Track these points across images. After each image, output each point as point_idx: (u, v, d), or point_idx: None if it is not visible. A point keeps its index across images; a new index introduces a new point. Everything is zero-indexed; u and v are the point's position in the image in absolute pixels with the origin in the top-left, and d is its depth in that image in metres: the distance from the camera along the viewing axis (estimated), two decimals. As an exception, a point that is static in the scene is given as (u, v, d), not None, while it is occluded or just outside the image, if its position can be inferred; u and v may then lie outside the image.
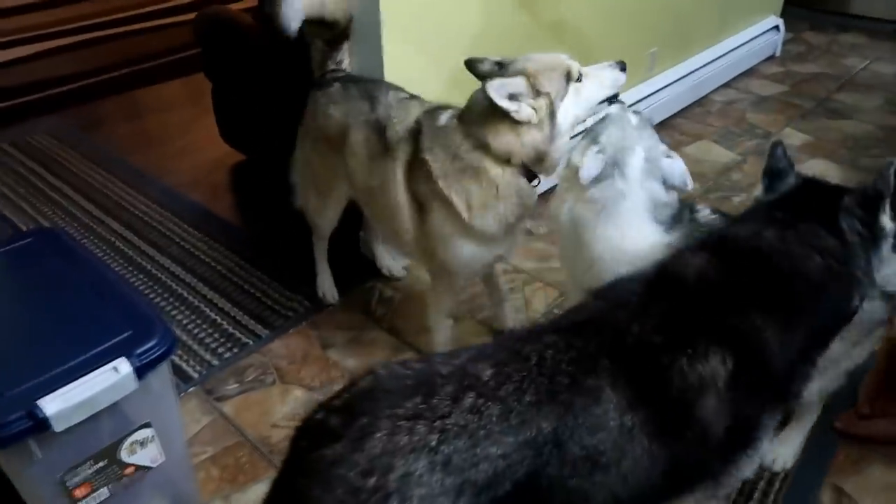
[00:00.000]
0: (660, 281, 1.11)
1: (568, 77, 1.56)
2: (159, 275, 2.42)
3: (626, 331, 1.03)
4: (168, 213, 2.77)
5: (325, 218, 2.13)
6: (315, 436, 0.96)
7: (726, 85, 3.78)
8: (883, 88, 3.74)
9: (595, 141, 1.41)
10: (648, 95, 3.22)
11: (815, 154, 3.11)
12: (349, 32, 2.01)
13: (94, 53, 4.34)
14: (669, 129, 3.34)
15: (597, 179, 1.38)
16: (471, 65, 1.66)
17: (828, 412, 1.73)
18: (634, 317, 1.05)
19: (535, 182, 1.65)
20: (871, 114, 3.47)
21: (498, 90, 1.47)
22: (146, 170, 3.11)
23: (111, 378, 1.08)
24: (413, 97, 1.84)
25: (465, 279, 1.95)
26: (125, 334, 1.14)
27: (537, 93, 1.52)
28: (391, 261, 2.35)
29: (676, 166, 1.42)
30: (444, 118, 1.67)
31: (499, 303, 2.13)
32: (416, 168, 1.68)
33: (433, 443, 0.90)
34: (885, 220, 1.12)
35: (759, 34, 3.94)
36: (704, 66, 3.56)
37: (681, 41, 3.40)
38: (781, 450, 1.69)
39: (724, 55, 3.69)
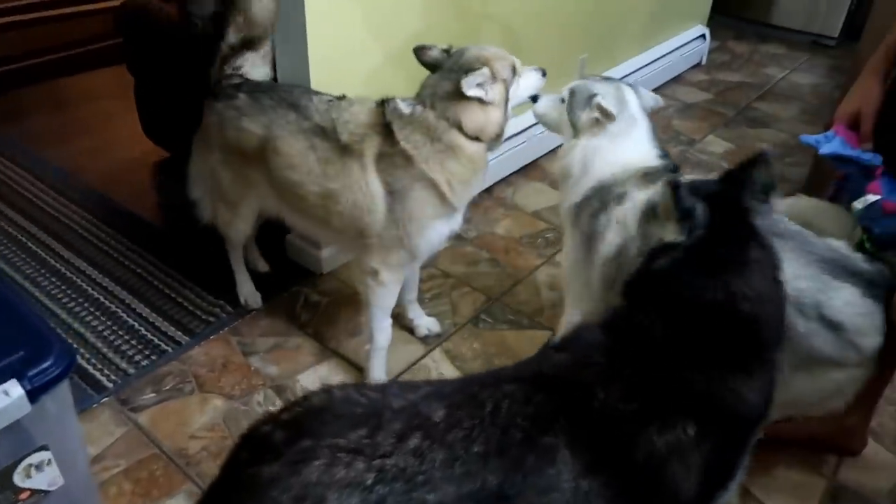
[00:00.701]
0: (626, 340, 1.08)
1: (514, 69, 1.77)
2: (74, 278, 2.32)
3: (591, 394, 1.01)
4: (85, 213, 2.66)
5: (238, 230, 2.09)
6: (257, 449, 0.94)
7: (655, 90, 3.86)
8: (800, 98, 3.92)
9: (595, 94, 1.67)
10: (578, 100, 3.27)
11: (736, 161, 3.21)
12: (264, 39, 1.97)
13: (10, 39, 4.11)
14: (599, 133, 3.39)
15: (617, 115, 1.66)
16: (419, 52, 1.79)
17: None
18: (600, 380, 1.02)
19: None
20: (788, 123, 3.63)
21: (471, 85, 1.64)
22: (63, 166, 2.97)
23: (1, 402, 1.02)
24: (340, 98, 1.82)
25: (421, 263, 2.03)
26: (17, 354, 1.08)
27: (494, 78, 1.70)
28: (427, 318, 2.19)
29: (647, 93, 1.80)
30: (405, 108, 1.72)
31: (411, 301, 2.14)
32: (388, 159, 1.73)
33: (368, 482, 0.87)
34: None
35: (686, 42, 4.06)
36: (633, 72, 3.64)
37: (611, 47, 3.46)
38: None
39: (652, 62, 3.79)
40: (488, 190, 2.88)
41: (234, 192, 1.99)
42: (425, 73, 1.78)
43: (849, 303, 1.34)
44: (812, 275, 1.35)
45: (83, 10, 4.43)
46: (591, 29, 3.23)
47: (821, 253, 1.38)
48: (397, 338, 2.14)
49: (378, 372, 1.97)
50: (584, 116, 1.69)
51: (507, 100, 1.76)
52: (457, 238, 2.57)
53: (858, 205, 1.41)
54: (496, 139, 1.79)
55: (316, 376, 2.00)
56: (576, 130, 1.72)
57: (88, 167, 2.97)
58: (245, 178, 1.93)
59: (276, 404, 1.90)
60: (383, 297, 1.89)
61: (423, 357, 2.09)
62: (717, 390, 1.04)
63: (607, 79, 1.83)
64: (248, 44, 1.94)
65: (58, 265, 2.38)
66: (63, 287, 2.28)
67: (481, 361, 2.08)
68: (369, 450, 0.90)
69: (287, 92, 1.87)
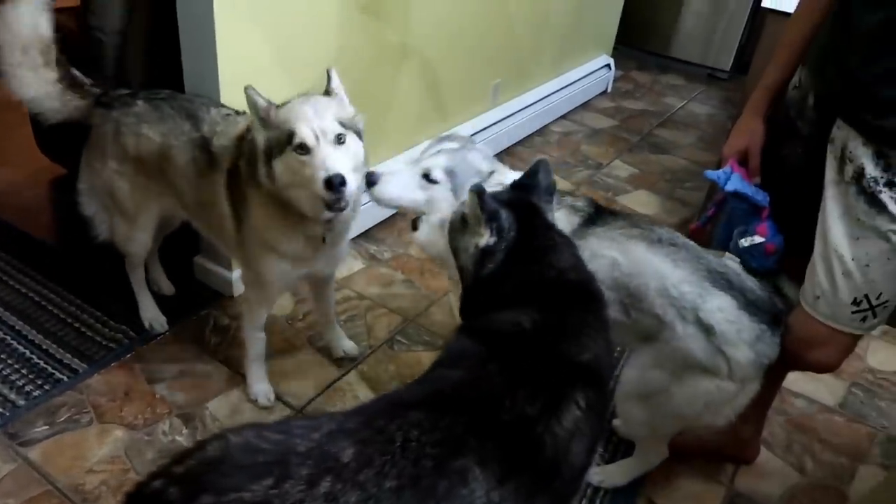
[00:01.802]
0: (499, 343, 1.12)
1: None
2: (-43, 303, 2.16)
3: (499, 407, 1.03)
4: (-29, 233, 2.48)
5: (138, 243, 2.02)
6: None
7: (564, 117, 4.03)
8: (696, 127, 4.16)
9: (489, 171, 1.59)
10: (492, 124, 3.35)
11: (640, 185, 3.39)
12: None
13: None
14: (512, 157, 3.49)
15: None
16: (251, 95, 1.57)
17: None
18: (502, 390, 1.04)
19: None
20: (686, 149, 3.84)
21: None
22: (-55, 183, 2.76)
23: None
24: (241, 112, 1.80)
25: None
26: None
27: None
28: (346, 341, 2.16)
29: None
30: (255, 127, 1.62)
31: (328, 323, 2.12)
32: (236, 176, 1.71)
33: None
34: None
35: (592, 71, 4.25)
36: (543, 98, 3.77)
37: (522, 74, 3.58)
38: (612, 475, 1.81)
39: (561, 89, 3.93)
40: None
41: (131, 203, 1.92)
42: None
43: (721, 309, 1.42)
44: (696, 281, 1.44)
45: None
46: (504, 56, 3.32)
47: (710, 265, 1.48)
48: (312, 361, 2.12)
49: (256, 383, 1.95)
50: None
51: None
52: (371, 259, 2.58)
53: (745, 242, 1.52)
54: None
55: (227, 402, 1.94)
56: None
57: (-25, 184, 2.77)
58: (142, 187, 1.89)
59: (183, 433, 1.82)
60: (248, 311, 1.91)
61: (337, 380, 2.06)
62: (589, 356, 1.13)
63: (459, 141, 1.64)
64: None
65: (-62, 289, 2.20)
66: (-56, 313, 2.11)
67: (397, 383, 2.07)
68: (278, 500, 0.84)
69: (189, 102, 1.86)
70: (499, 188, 1.39)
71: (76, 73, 1.92)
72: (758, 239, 1.52)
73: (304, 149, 1.47)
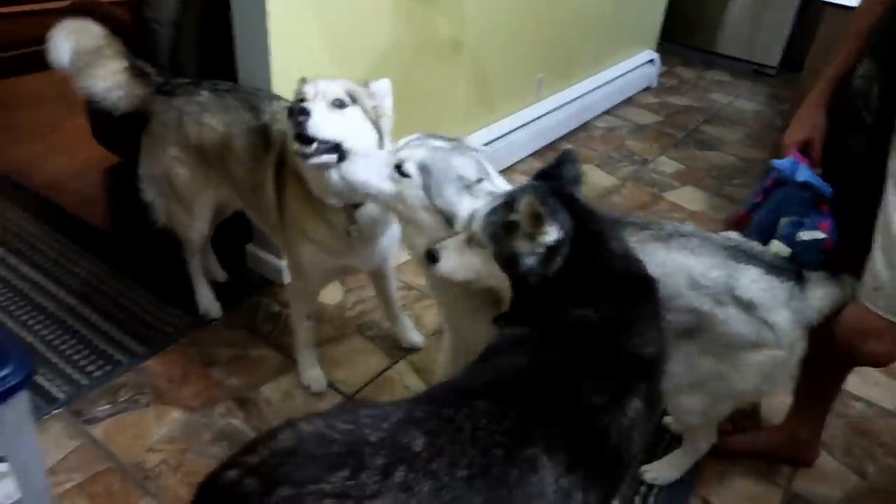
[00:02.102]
0: (562, 332, 1.13)
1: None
2: (21, 285, 2.22)
3: (566, 397, 1.04)
4: (32, 219, 2.56)
5: (195, 230, 2.06)
6: (227, 502, 0.87)
7: (608, 112, 4.00)
8: (743, 123, 4.10)
9: (461, 177, 1.39)
10: (536, 119, 3.35)
11: (686, 182, 3.35)
12: None
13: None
14: (556, 151, 3.45)
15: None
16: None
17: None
18: (567, 382, 1.05)
19: None
20: (733, 146, 3.78)
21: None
22: (7, 170, 2.85)
23: (-38, 410, 0.97)
24: None
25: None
26: (-24, 362, 1.03)
27: None
28: (413, 333, 2.18)
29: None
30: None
31: (393, 316, 2.14)
32: (282, 163, 1.75)
33: None
34: None
35: (637, 66, 4.21)
36: (587, 93, 3.75)
37: (566, 69, 3.56)
38: (664, 470, 1.79)
39: (605, 84, 3.91)
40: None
41: (189, 190, 1.97)
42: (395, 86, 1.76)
43: (754, 280, 1.41)
44: (720, 263, 1.43)
45: (28, 10, 4.29)
46: (548, 50, 3.31)
47: (721, 243, 1.47)
48: (362, 349, 2.14)
49: (307, 369, 1.98)
50: (464, 201, 1.35)
51: None
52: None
53: (805, 236, 1.49)
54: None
55: (279, 387, 1.97)
56: (448, 219, 1.36)
57: (35, 173, 2.85)
58: (201, 175, 1.94)
59: (238, 416, 1.86)
60: (293, 300, 1.95)
61: (387, 369, 2.08)
62: (651, 349, 1.12)
63: (448, 141, 1.46)
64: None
65: (3, 271, 2.28)
66: (10, 295, 2.18)
67: (446, 373, 2.08)
68: (356, 491, 0.84)
69: (251, 94, 1.90)
70: (488, 197, 1.31)
71: (140, 62, 1.97)
72: (819, 234, 1.49)
73: (301, 103, 1.50)
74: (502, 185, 1.44)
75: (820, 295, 1.45)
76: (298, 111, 1.45)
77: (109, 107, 1.95)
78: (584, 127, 3.80)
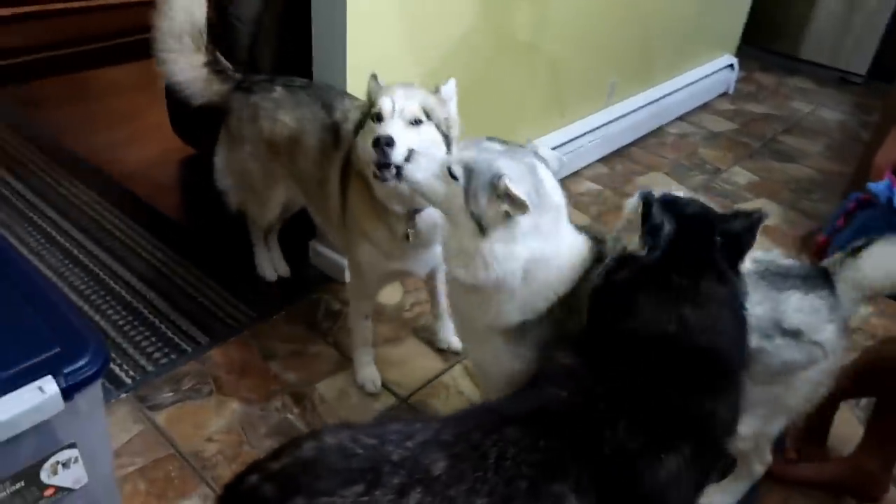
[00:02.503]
0: (609, 370, 1.08)
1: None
2: (96, 270, 2.32)
3: (600, 436, 0.99)
4: (109, 206, 2.66)
5: (265, 219, 2.20)
6: None
7: (681, 118, 3.88)
8: (825, 134, 3.90)
9: (498, 178, 1.24)
10: (606, 123, 3.27)
11: (760, 194, 3.21)
12: None
13: (41, 28, 4.14)
14: (625, 157, 3.40)
15: (536, 208, 1.26)
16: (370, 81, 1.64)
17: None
18: (605, 419, 1.01)
19: None
20: (813, 158, 3.61)
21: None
22: (88, 157, 2.98)
23: (36, 398, 1.01)
24: None
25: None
26: (53, 350, 1.07)
27: None
28: (453, 335, 2.14)
29: (551, 154, 1.40)
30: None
31: (438, 315, 2.13)
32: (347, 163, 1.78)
33: None
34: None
35: (714, 71, 4.06)
36: (660, 98, 3.64)
37: (639, 73, 3.47)
38: (719, 496, 1.72)
39: (680, 89, 3.79)
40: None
41: (261, 183, 2.05)
42: (459, 85, 1.73)
43: (798, 308, 1.36)
44: (761, 298, 1.35)
45: (114, 4, 4.48)
46: (622, 54, 3.23)
47: (755, 270, 1.37)
48: (417, 352, 2.14)
49: (362, 368, 1.99)
50: (491, 209, 1.26)
51: None
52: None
53: None
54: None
55: (335, 385, 1.99)
56: (481, 226, 1.27)
57: (114, 160, 2.97)
58: (273, 170, 2.00)
59: (294, 412, 1.89)
60: (352, 299, 1.97)
61: (442, 373, 2.07)
62: (708, 409, 1.07)
63: (506, 145, 1.37)
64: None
65: (80, 255, 2.38)
66: (86, 279, 2.28)
67: (500, 381, 2.06)
68: None
69: (325, 91, 1.95)
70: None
71: (221, 58, 2.02)
72: None
73: (379, 119, 1.52)
74: (555, 197, 1.33)
75: (852, 296, 1.41)
76: (385, 142, 1.45)
77: (187, 97, 2.02)
78: (656, 133, 3.69)
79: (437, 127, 1.56)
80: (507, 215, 1.24)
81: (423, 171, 1.35)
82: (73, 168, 2.89)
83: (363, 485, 0.87)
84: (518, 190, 1.20)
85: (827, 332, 1.39)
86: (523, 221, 1.25)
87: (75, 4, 4.42)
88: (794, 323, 1.37)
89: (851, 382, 1.72)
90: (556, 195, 1.33)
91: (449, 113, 1.60)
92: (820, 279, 1.42)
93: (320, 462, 0.90)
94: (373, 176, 1.54)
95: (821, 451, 1.90)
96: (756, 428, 1.53)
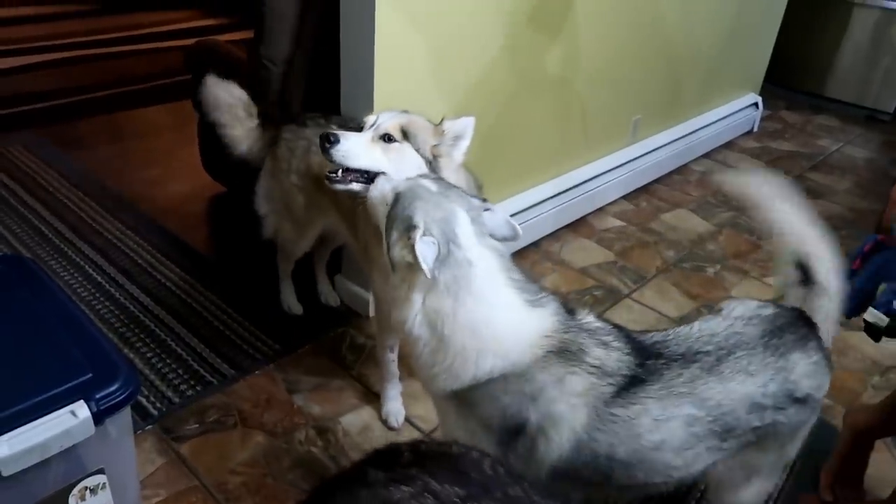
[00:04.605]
0: None
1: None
2: (127, 303, 2.36)
3: None
4: (141, 241, 2.72)
5: (300, 248, 2.25)
6: (384, 454, 0.93)
7: (705, 156, 3.88)
8: (853, 172, 3.87)
9: (411, 226, 1.18)
10: (630, 161, 3.29)
11: (788, 231, 3.17)
12: None
13: (79, 71, 4.31)
14: (649, 195, 3.40)
15: (438, 262, 1.17)
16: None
17: (793, 494, 1.73)
18: None
19: None
20: (841, 195, 3.57)
21: None
22: (122, 194, 3.06)
23: (67, 422, 1.03)
24: None
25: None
26: (86, 376, 1.09)
27: None
28: None
29: (498, 217, 1.30)
30: None
31: None
32: None
33: None
34: None
35: (738, 109, 4.07)
36: (685, 136, 3.66)
37: (663, 111, 3.49)
38: None
39: (704, 127, 3.80)
40: (536, 243, 2.88)
41: (304, 215, 2.11)
42: (484, 121, 1.75)
43: (806, 374, 1.33)
44: (772, 371, 1.30)
45: (147, 48, 4.66)
46: (646, 91, 3.26)
47: (758, 335, 1.34)
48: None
49: (387, 402, 2.00)
50: (397, 252, 1.20)
51: None
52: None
53: None
54: None
55: (359, 419, 1.98)
56: (392, 265, 1.22)
57: (148, 197, 3.05)
58: (316, 204, 2.06)
59: (318, 445, 1.88)
60: (379, 332, 1.97)
61: (466, 408, 2.06)
62: None
63: (431, 180, 1.30)
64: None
65: (112, 289, 2.43)
66: (116, 311, 2.32)
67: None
68: None
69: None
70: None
71: (268, 109, 2.16)
72: None
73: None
74: (470, 254, 1.21)
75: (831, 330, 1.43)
76: (325, 137, 1.52)
77: (240, 157, 2.18)
78: (680, 170, 3.69)
79: (417, 151, 1.57)
80: (410, 265, 1.18)
81: (376, 190, 1.32)
82: (108, 204, 2.97)
83: (465, 491, 0.82)
84: (421, 249, 1.13)
85: (826, 385, 1.38)
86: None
87: (113, 49, 4.61)
88: (804, 390, 1.33)
89: (885, 421, 1.67)
90: (473, 253, 1.20)
91: (442, 142, 1.59)
92: (804, 325, 1.38)
93: (454, 459, 0.90)
94: (324, 177, 1.60)
95: (858, 492, 1.84)
96: (761, 489, 1.50)
